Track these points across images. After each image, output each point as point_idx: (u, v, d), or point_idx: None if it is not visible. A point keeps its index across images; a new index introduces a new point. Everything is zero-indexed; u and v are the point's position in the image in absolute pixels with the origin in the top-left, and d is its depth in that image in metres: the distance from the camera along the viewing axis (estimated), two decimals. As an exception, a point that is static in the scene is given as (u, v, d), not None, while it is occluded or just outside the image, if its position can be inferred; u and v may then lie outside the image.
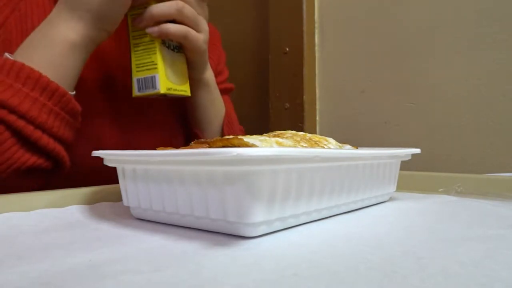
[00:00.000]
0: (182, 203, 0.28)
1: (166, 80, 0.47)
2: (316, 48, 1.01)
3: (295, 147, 0.33)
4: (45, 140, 0.41)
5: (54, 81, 0.41)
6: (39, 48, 0.43)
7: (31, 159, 0.41)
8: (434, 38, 0.81)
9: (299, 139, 0.35)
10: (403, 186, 0.48)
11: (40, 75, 0.41)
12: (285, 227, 0.29)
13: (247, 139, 0.29)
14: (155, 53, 0.46)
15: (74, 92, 0.45)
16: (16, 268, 0.21)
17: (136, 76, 0.47)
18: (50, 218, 0.33)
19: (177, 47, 0.49)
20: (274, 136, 0.36)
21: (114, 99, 0.55)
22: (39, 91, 0.41)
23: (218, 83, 0.65)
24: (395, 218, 0.33)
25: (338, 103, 0.97)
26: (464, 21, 0.77)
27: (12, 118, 0.39)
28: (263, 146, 0.29)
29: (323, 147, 0.36)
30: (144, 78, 0.47)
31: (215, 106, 0.61)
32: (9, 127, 0.40)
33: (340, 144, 0.39)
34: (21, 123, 0.40)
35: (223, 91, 0.69)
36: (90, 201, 0.38)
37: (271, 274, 0.19)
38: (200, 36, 0.50)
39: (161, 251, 0.24)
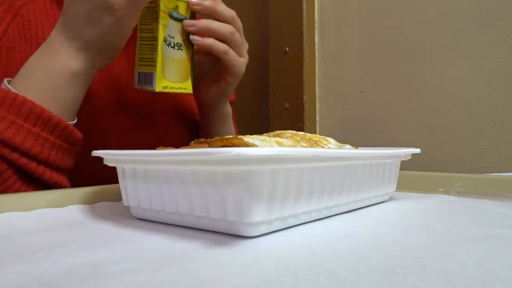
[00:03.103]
0: (182, 203, 0.28)
1: (163, 78, 0.47)
2: (316, 48, 1.01)
3: (295, 147, 0.33)
4: (48, 175, 0.41)
5: (56, 115, 0.41)
6: (39, 79, 0.42)
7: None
8: (434, 38, 0.81)
9: (299, 139, 0.35)
10: (403, 186, 0.48)
11: (42, 110, 0.40)
12: (285, 227, 0.29)
13: (247, 138, 0.29)
14: (156, 51, 0.46)
15: (75, 120, 0.45)
16: (16, 268, 0.21)
17: (138, 69, 0.48)
18: (50, 218, 0.33)
19: (178, 45, 0.49)
20: (274, 136, 0.36)
21: (118, 99, 0.55)
22: (41, 127, 0.40)
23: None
24: (395, 218, 0.33)
25: (338, 103, 0.97)
26: (464, 21, 0.77)
27: (15, 156, 0.39)
28: (263, 146, 0.29)
29: (323, 147, 0.36)
30: (144, 73, 0.47)
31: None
32: (13, 165, 0.40)
33: (340, 144, 0.39)
34: (24, 161, 0.40)
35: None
36: (90, 201, 0.38)
37: (271, 274, 0.19)
38: (242, 59, 0.51)
39: (161, 251, 0.24)
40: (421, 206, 0.38)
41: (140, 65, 0.48)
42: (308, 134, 0.38)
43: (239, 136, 0.28)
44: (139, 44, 0.48)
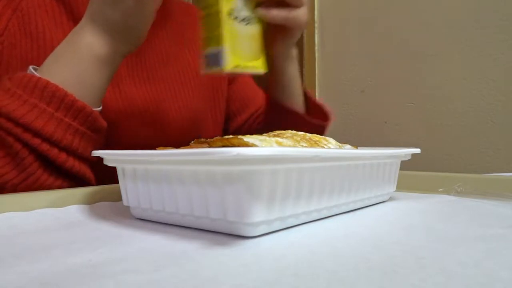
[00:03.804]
0: (182, 203, 0.28)
1: (234, 56, 0.42)
2: (316, 48, 1.01)
3: (295, 147, 0.33)
4: (71, 163, 0.40)
5: (80, 100, 0.40)
6: (64, 63, 0.41)
7: (56, 183, 0.41)
8: (434, 38, 0.81)
9: (299, 139, 0.35)
10: (403, 186, 0.48)
11: (65, 94, 0.39)
12: (285, 227, 0.29)
13: (247, 138, 0.29)
14: (221, 26, 0.41)
15: (100, 108, 0.44)
16: (16, 268, 0.21)
17: (204, 51, 0.44)
18: (50, 218, 0.33)
19: (247, 19, 0.44)
20: (274, 135, 0.36)
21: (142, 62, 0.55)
22: (64, 111, 0.39)
23: None
24: (395, 218, 0.33)
25: (338, 103, 0.97)
26: (464, 21, 0.77)
27: (36, 141, 0.38)
28: (263, 146, 0.29)
29: (323, 147, 0.36)
30: (211, 54, 0.43)
31: (299, 77, 0.63)
32: (34, 150, 0.39)
33: (340, 144, 0.39)
34: (45, 147, 0.38)
35: None
36: (90, 201, 0.38)
37: (271, 274, 0.19)
38: (300, 11, 0.49)
39: (161, 251, 0.24)
40: (421, 206, 0.38)
41: (205, 46, 0.43)
42: (308, 134, 0.38)
43: (239, 136, 0.28)
44: (203, 23, 0.44)
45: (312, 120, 0.62)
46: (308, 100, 0.64)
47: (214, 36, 0.42)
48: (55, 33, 0.50)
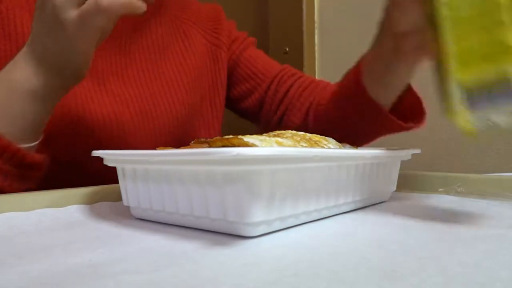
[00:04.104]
0: (182, 203, 0.28)
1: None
2: (316, 48, 1.01)
3: (295, 147, 0.33)
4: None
5: (4, 138, 0.38)
6: None
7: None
8: (434, 38, 0.81)
9: (299, 138, 0.35)
10: (403, 186, 0.48)
11: None
12: (285, 227, 0.29)
13: (247, 138, 0.29)
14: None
15: (35, 143, 0.41)
16: (16, 268, 0.21)
17: (462, 79, 0.26)
18: (50, 218, 0.33)
19: None
20: (274, 135, 0.36)
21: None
22: None
23: (240, 44, 0.67)
24: (395, 218, 0.33)
25: (338, 103, 0.96)
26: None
27: None
28: (263, 146, 0.29)
29: (323, 147, 0.36)
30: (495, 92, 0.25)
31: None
32: None
33: (340, 144, 0.39)
34: None
35: (252, 45, 0.69)
36: (90, 201, 0.38)
37: (271, 274, 0.19)
38: None
39: (161, 251, 0.24)
40: (421, 206, 0.38)
41: (465, 68, 0.26)
42: (308, 134, 0.38)
43: (239, 136, 0.28)
44: (443, 28, 0.26)
45: (396, 121, 0.51)
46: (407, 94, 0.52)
47: (496, 43, 0.25)
48: None
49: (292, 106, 0.64)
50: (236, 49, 0.68)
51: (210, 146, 0.29)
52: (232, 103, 0.70)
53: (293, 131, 0.38)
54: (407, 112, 0.52)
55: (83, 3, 0.35)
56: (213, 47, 0.66)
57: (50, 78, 0.39)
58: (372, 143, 0.58)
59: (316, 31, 1.00)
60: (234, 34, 0.69)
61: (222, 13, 0.70)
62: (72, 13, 0.36)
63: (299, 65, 1.00)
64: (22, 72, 0.39)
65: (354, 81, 0.53)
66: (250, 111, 0.68)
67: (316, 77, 1.01)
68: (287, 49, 1.03)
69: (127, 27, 0.56)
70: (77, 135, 0.49)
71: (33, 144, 0.41)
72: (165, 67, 0.60)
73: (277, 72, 0.67)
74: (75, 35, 0.37)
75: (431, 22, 0.28)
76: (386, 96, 0.50)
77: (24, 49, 0.40)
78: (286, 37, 1.03)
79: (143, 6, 0.36)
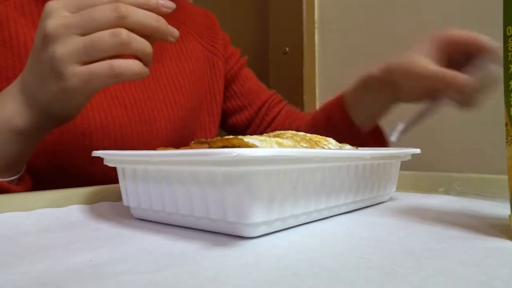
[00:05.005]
0: (182, 203, 0.28)
1: None
2: (316, 48, 1.01)
3: (295, 147, 0.33)
4: None
5: None
6: None
7: None
8: (434, 38, 0.81)
9: (299, 139, 0.35)
10: (403, 186, 0.48)
11: None
12: (285, 227, 0.29)
13: (247, 139, 0.29)
14: None
15: (18, 175, 0.41)
16: (16, 268, 0.21)
17: None
18: (50, 218, 0.33)
19: None
20: (274, 136, 0.36)
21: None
22: None
23: (238, 61, 0.70)
24: (395, 218, 0.33)
25: (338, 103, 0.96)
26: (464, 21, 0.77)
27: None
28: (263, 146, 0.29)
29: (323, 147, 0.36)
30: None
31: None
32: None
33: (340, 144, 0.39)
34: None
35: (245, 64, 0.73)
36: (90, 201, 0.38)
37: (271, 274, 0.19)
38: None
39: (161, 251, 0.24)
40: (421, 206, 0.38)
41: None
42: (308, 135, 0.38)
43: (239, 137, 0.28)
44: None
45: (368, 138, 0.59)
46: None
47: None
48: (31, 37, 0.48)
49: (279, 129, 0.70)
50: (235, 65, 0.71)
51: (210, 147, 0.29)
52: (222, 116, 0.72)
53: (293, 131, 0.38)
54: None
55: (88, 62, 0.34)
56: (209, 54, 0.68)
57: (36, 121, 0.38)
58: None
59: (316, 31, 1.00)
60: (230, 49, 0.72)
61: (217, 22, 0.73)
62: (74, 68, 0.34)
63: (299, 65, 1.00)
64: (8, 110, 0.37)
65: (336, 104, 0.62)
66: (238, 127, 0.72)
67: (316, 77, 1.01)
68: (287, 49, 1.03)
69: None
70: (74, 138, 0.49)
71: (15, 177, 0.41)
72: (163, 71, 0.60)
73: (268, 97, 0.73)
74: (76, 90, 0.35)
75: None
76: (365, 121, 0.59)
77: (14, 87, 0.38)
78: (286, 37, 1.03)
79: (147, 72, 0.35)
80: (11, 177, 0.40)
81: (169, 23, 0.56)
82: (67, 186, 0.42)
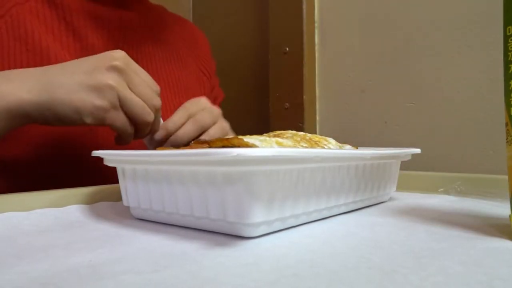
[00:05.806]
0: (182, 203, 0.28)
1: None
2: (316, 48, 1.01)
3: (295, 147, 0.33)
4: None
5: None
6: None
7: None
8: (434, 38, 0.81)
9: (299, 139, 0.35)
10: (403, 186, 0.48)
11: None
12: (285, 227, 0.29)
13: (247, 139, 0.29)
14: None
15: None
16: (16, 268, 0.21)
17: None
18: (50, 218, 0.33)
19: None
20: (274, 136, 0.36)
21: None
22: None
23: (217, 93, 0.73)
24: (395, 218, 0.33)
25: (338, 103, 0.97)
26: (464, 21, 0.77)
27: None
28: (263, 146, 0.29)
29: (323, 147, 0.36)
30: None
31: None
32: None
33: (340, 144, 0.39)
34: None
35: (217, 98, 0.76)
36: (90, 201, 0.38)
37: (271, 274, 0.19)
38: None
39: (161, 251, 0.24)
40: (421, 206, 0.38)
41: None
42: (308, 135, 0.38)
43: (239, 137, 0.28)
44: None
45: None
46: None
47: None
48: (45, 37, 0.50)
49: None
50: (212, 96, 0.75)
51: (210, 147, 0.29)
52: None
53: (293, 131, 0.38)
54: None
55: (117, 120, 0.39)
56: (200, 73, 0.72)
57: (37, 107, 0.37)
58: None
59: (316, 31, 1.00)
60: (214, 78, 0.77)
61: (209, 47, 0.78)
62: (112, 103, 0.38)
63: (299, 65, 1.00)
64: (14, 86, 0.37)
65: None
66: None
67: (316, 77, 1.01)
68: (287, 49, 1.03)
69: (125, 48, 0.57)
70: (81, 132, 0.50)
71: None
72: (165, 75, 0.62)
73: None
74: (91, 116, 0.38)
75: None
76: None
77: (35, 69, 0.39)
78: (286, 37, 1.03)
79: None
80: None
81: (173, 36, 0.57)
82: (76, 180, 0.43)
